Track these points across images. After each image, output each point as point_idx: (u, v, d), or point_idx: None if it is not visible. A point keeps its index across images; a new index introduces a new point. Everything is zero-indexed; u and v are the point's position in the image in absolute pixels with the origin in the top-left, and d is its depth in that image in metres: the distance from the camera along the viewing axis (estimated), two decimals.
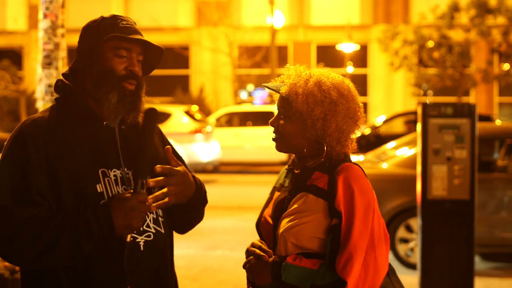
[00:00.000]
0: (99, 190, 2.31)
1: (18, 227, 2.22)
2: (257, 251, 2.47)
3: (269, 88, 2.52)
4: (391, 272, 2.51)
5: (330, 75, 2.48)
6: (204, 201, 2.57)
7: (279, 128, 2.49)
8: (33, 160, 2.27)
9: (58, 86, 2.43)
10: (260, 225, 2.56)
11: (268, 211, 2.54)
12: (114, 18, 2.41)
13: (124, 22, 2.40)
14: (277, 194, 2.55)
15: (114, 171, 2.35)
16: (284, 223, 2.42)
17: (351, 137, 2.47)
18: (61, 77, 2.45)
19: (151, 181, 2.30)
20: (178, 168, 2.36)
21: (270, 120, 2.52)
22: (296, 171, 2.50)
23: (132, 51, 2.39)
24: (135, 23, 2.44)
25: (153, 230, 2.40)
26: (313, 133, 2.43)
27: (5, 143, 2.36)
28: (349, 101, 2.44)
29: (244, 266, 2.51)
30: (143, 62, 2.44)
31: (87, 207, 2.25)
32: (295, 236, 2.39)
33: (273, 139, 2.51)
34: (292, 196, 2.44)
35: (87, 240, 2.23)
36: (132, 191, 2.28)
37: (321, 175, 2.43)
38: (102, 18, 2.42)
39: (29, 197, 2.25)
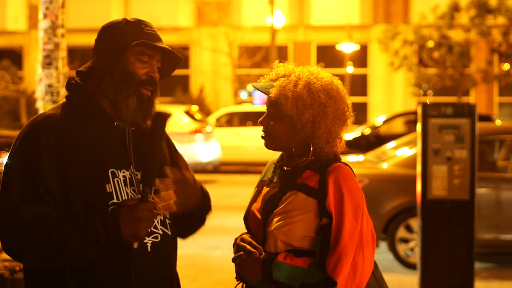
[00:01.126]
0: (108, 190, 2.31)
1: (25, 226, 2.22)
2: (248, 246, 2.48)
3: (257, 88, 2.53)
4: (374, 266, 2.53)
5: (319, 75, 2.47)
6: (209, 210, 2.60)
7: (268, 128, 2.50)
8: (44, 157, 2.27)
9: (71, 84, 2.43)
10: (249, 219, 2.58)
11: (257, 205, 2.55)
12: (139, 23, 2.43)
13: (148, 28, 2.42)
14: (266, 189, 2.55)
15: (123, 172, 2.36)
16: (275, 222, 2.43)
17: (340, 136, 2.48)
18: (72, 75, 2.46)
19: (159, 183, 2.30)
20: (189, 178, 2.38)
21: (260, 119, 2.52)
22: (286, 168, 2.51)
23: (153, 57, 2.41)
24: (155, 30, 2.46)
25: (160, 232, 2.41)
26: (302, 135, 2.45)
27: (15, 139, 2.36)
28: (338, 102, 2.45)
29: (234, 261, 2.52)
30: (159, 68, 2.46)
31: (95, 214, 2.25)
32: (285, 235, 2.41)
33: (262, 137, 2.53)
34: (283, 194, 2.46)
35: (95, 246, 2.23)
36: (140, 197, 2.28)
37: (312, 173, 2.44)
38: (127, 21, 2.42)
39: (38, 195, 2.25)
